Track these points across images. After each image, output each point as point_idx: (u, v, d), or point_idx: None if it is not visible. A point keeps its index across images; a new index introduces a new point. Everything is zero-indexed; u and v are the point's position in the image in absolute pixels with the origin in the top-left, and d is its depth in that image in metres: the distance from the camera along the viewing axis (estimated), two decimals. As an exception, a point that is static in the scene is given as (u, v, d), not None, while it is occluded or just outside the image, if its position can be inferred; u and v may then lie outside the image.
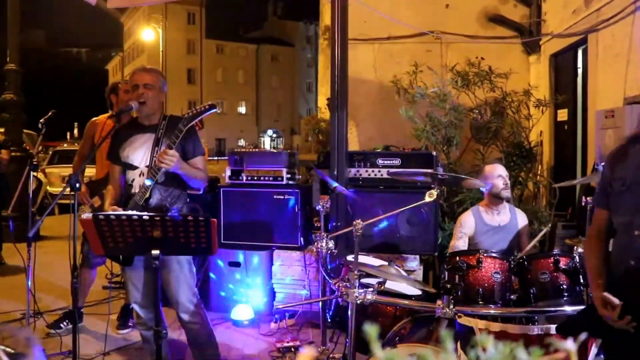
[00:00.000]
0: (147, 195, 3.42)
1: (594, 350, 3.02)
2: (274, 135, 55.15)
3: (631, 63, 5.46)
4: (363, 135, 8.00)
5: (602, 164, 4.22)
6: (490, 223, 4.05)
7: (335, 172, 4.92)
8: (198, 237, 3.03)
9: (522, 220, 4.19)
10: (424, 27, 7.87)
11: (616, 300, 2.16)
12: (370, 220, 3.21)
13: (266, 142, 53.21)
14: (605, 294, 2.20)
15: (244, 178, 5.52)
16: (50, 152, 16.22)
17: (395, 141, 7.00)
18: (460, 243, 4.04)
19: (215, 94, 54.67)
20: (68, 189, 3.14)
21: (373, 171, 5.20)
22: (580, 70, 7.15)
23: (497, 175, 4.05)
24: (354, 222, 3.04)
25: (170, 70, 48.29)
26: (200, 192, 4.32)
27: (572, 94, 7.21)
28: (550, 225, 4.42)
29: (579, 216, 4.96)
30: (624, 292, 2.18)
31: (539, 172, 6.82)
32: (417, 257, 5.24)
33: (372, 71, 8.02)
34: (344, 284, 3.21)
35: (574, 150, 7.10)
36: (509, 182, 4.10)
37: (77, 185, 3.11)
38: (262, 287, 5.41)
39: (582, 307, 3.05)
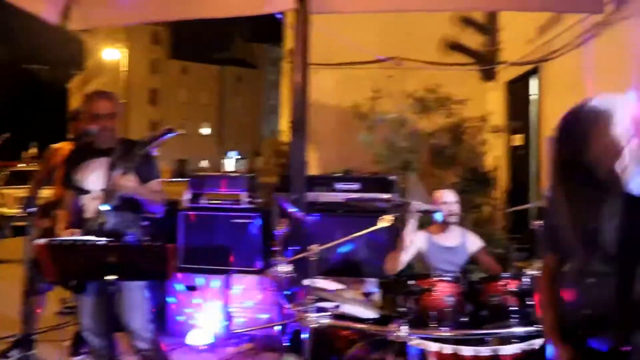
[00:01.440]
0: (102, 220, 3.38)
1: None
2: (237, 157, 54.93)
3: (579, 93, 5.65)
4: (324, 159, 8.06)
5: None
6: (440, 243, 4.11)
7: (295, 196, 4.94)
8: (154, 263, 3.01)
9: (473, 242, 4.26)
10: (386, 53, 8.01)
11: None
12: (326, 245, 3.25)
13: (229, 164, 53.00)
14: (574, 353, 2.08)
15: (204, 201, 5.50)
16: (5, 173, 15.80)
17: (356, 165, 7.06)
18: (406, 257, 4.04)
19: (178, 114, 54.37)
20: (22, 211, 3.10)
21: (332, 195, 5.24)
22: (533, 98, 7.37)
23: (442, 202, 4.13)
24: (309, 247, 3.07)
25: (132, 90, 47.87)
26: (158, 216, 4.30)
27: (526, 120, 7.41)
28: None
29: (531, 239, 5.07)
30: (575, 342, 2.08)
31: (494, 196, 6.96)
32: (376, 280, 5.27)
33: (334, 96, 8.10)
34: (300, 308, 3.23)
35: (528, 175, 7.29)
36: (456, 208, 4.15)
37: (32, 209, 3.08)
38: (220, 311, 5.37)
39: (530, 328, 3.13)
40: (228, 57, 61.36)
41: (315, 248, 3.06)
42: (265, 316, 5.38)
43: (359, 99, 6.85)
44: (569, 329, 2.13)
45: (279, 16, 5.21)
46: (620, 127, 1.94)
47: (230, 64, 60.41)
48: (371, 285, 5.29)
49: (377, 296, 5.26)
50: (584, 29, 5.70)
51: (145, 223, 3.78)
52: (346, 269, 5.21)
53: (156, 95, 56.93)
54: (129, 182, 3.29)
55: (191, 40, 56.50)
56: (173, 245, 3.02)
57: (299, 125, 5.02)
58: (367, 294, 5.34)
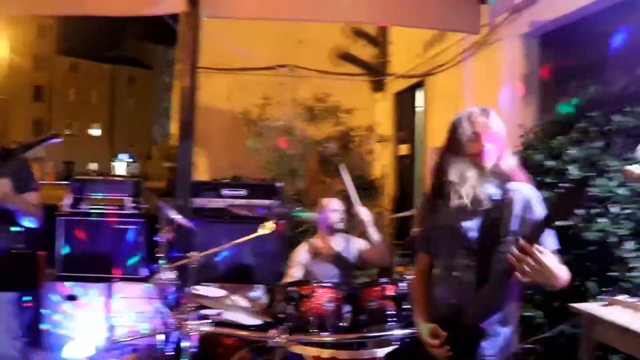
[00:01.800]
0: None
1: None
2: (128, 161, 53.12)
3: (458, 106, 5.97)
4: (214, 165, 8.00)
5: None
6: (324, 252, 4.20)
7: (180, 202, 4.88)
8: (22, 272, 2.88)
9: (357, 246, 4.33)
10: (278, 61, 8.07)
11: (442, 333, 2.34)
12: (206, 252, 3.23)
13: (119, 167, 51.14)
14: (435, 326, 2.39)
15: (85, 206, 5.31)
16: None
17: (246, 172, 7.08)
18: (293, 271, 4.13)
19: (65, 113, 51.91)
20: None
21: (219, 201, 5.22)
22: (419, 109, 7.69)
23: (332, 209, 4.22)
24: (190, 254, 3.05)
25: (15, 85, 45.21)
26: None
27: (413, 130, 7.72)
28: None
29: (412, 246, 5.28)
30: (444, 329, 2.35)
31: (381, 203, 7.19)
32: (262, 286, 5.30)
33: (225, 101, 8.08)
34: (180, 316, 3.20)
35: (413, 183, 7.59)
36: (341, 216, 4.26)
37: None
38: (101, 322, 5.19)
39: (407, 331, 3.27)
40: (120, 56, 59.31)
41: (195, 255, 3.04)
42: (148, 326, 5.26)
43: (250, 106, 6.86)
44: (438, 319, 2.43)
45: (168, 19, 5.13)
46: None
47: (122, 63, 58.39)
48: (258, 291, 5.32)
49: (263, 302, 5.29)
50: (464, 47, 6.03)
51: (19, 229, 3.57)
52: (233, 276, 5.20)
53: (41, 92, 53.97)
54: (2, 187, 3.06)
55: (81, 36, 54.07)
56: (44, 253, 2.89)
57: (186, 129, 4.97)
58: (253, 300, 5.36)
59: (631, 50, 4.14)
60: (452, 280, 2.41)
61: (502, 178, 2.40)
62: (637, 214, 3.52)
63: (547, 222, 2.01)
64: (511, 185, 2.40)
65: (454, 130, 2.50)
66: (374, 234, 4.17)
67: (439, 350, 2.34)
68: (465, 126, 2.43)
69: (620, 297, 3.17)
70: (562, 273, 2.16)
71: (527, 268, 1.99)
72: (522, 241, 2.01)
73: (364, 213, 4.20)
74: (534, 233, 2.02)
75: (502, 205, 2.35)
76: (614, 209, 3.57)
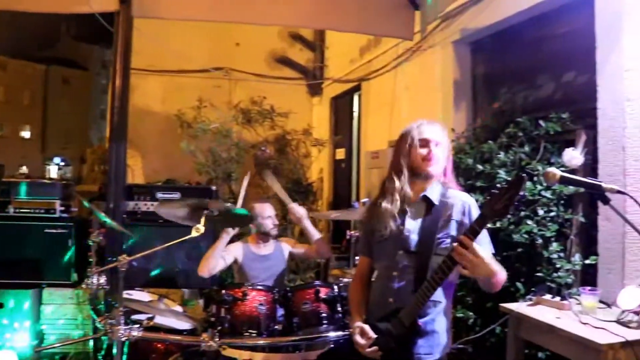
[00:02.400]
0: None
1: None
2: (62, 164, 51.34)
3: (394, 110, 6.07)
4: (148, 168, 7.85)
5: (357, 202, 4.63)
6: (257, 252, 4.17)
7: (112, 205, 4.76)
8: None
9: (287, 246, 4.32)
10: (214, 64, 7.97)
11: (371, 333, 2.44)
12: (137, 255, 3.16)
13: (52, 171, 49.39)
14: (365, 326, 2.48)
15: (12, 210, 5.12)
16: None
17: (181, 174, 6.97)
18: (220, 263, 4.00)
19: (-6, 115, 49.90)
20: None
21: (152, 205, 5.13)
22: (355, 114, 7.76)
23: (267, 215, 4.19)
24: (120, 257, 2.98)
25: None
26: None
27: (349, 134, 7.78)
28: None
29: (347, 248, 5.32)
30: (381, 328, 2.45)
31: (318, 207, 7.21)
32: (196, 290, 5.24)
33: (160, 103, 7.94)
34: (110, 321, 3.11)
35: (350, 186, 7.65)
36: (273, 221, 4.23)
37: None
38: (30, 329, 5.01)
39: (340, 333, 3.29)
40: (54, 56, 57.41)
41: (124, 258, 2.97)
42: (79, 332, 5.11)
43: (185, 108, 6.76)
44: (375, 317, 2.53)
45: (102, 20, 4.99)
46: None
47: (57, 63, 56.56)
48: (192, 295, 5.25)
49: (199, 306, 5.23)
50: (399, 52, 6.13)
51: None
52: (167, 280, 5.13)
53: (-34, 93, 51.59)
54: None
55: (12, 35, 52.03)
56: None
57: (118, 130, 4.84)
58: (186, 305, 5.29)
59: (558, 57, 4.30)
60: (391, 281, 2.52)
61: (444, 185, 2.61)
62: (561, 216, 3.65)
63: (485, 218, 2.15)
64: (451, 192, 2.59)
65: (403, 138, 2.66)
66: (311, 229, 4.16)
67: (367, 350, 2.43)
68: (415, 134, 2.60)
69: (547, 297, 3.28)
70: (500, 269, 2.34)
71: (467, 262, 2.15)
72: (462, 236, 2.17)
73: (298, 210, 4.19)
74: (473, 229, 2.16)
75: (443, 210, 2.52)
76: (541, 212, 3.69)
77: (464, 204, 2.53)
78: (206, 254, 3.97)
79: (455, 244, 2.18)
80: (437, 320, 2.51)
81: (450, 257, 2.21)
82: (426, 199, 2.57)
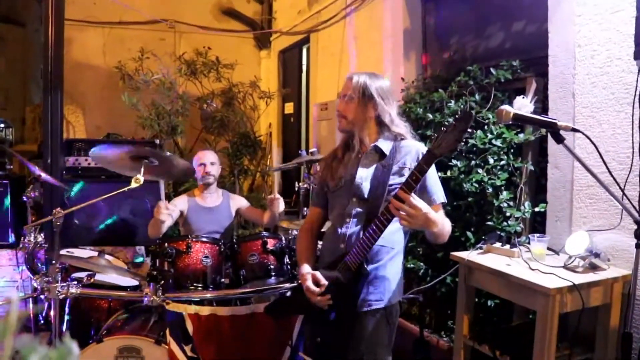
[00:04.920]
0: None
1: (297, 325, 3.20)
2: (2, 126, 49.55)
3: (343, 62, 5.94)
4: (90, 124, 7.54)
5: (305, 150, 4.52)
6: (202, 204, 4.03)
7: (49, 161, 4.53)
8: None
9: (236, 203, 4.19)
10: (158, 15, 7.65)
11: (323, 280, 2.39)
12: (72, 209, 3.00)
13: (-7, 132, 47.57)
14: (316, 272, 2.43)
15: (-59, 168, 4.84)
16: None
17: (124, 130, 6.72)
18: (168, 220, 3.82)
19: None
20: None
21: (94, 158, 4.90)
22: (304, 67, 7.60)
23: (199, 163, 4.03)
24: (54, 211, 2.81)
25: None
26: None
27: (298, 88, 7.63)
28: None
29: (297, 201, 5.25)
30: (329, 275, 2.41)
31: (267, 161, 7.09)
32: (143, 247, 5.10)
33: (101, 56, 7.59)
34: (47, 279, 2.95)
35: (299, 140, 7.54)
36: (215, 169, 4.07)
37: None
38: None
39: (288, 284, 3.22)
40: (-12, 12, 54.74)
41: (58, 212, 2.80)
42: (20, 294, 4.91)
43: (125, 60, 6.47)
44: (325, 264, 2.50)
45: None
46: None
47: (-9, 20, 53.98)
48: (139, 252, 5.11)
49: (146, 263, 5.09)
50: (348, 2, 5.96)
51: None
52: (114, 238, 4.97)
53: None
54: None
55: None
56: None
57: (53, 84, 4.58)
58: (135, 262, 5.15)
59: (509, 5, 4.24)
60: (343, 227, 2.50)
61: (397, 135, 2.54)
62: (511, 165, 3.64)
63: (433, 156, 2.08)
64: (406, 142, 2.54)
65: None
66: (276, 218, 3.95)
67: (319, 298, 2.38)
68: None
69: (497, 245, 3.29)
70: (442, 221, 2.28)
71: (404, 214, 2.11)
72: (399, 190, 2.13)
73: (281, 204, 3.85)
74: (417, 173, 2.10)
75: (395, 158, 2.48)
76: (491, 161, 3.67)
77: (418, 152, 2.48)
78: (151, 220, 3.78)
79: (391, 197, 2.15)
80: (388, 266, 2.49)
81: (388, 210, 2.19)
82: (377, 149, 2.53)
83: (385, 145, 2.52)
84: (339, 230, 2.50)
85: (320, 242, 2.76)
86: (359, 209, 2.47)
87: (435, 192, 2.45)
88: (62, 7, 4.67)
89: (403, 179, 2.33)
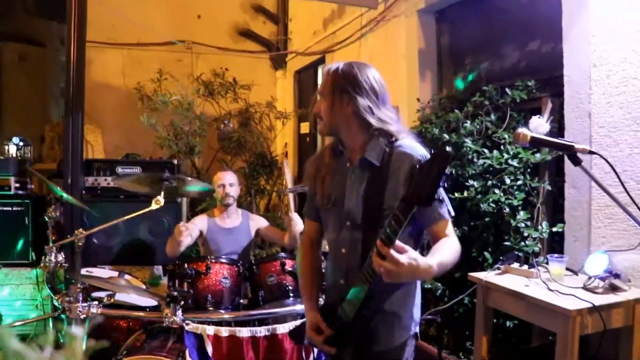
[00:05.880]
0: None
1: (315, 352, 3.19)
2: (21, 144, 50.16)
3: (358, 82, 5.98)
4: (109, 143, 7.63)
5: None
6: (221, 225, 4.07)
7: (69, 181, 4.60)
8: None
9: (256, 223, 4.23)
10: (175, 36, 7.77)
11: (326, 330, 2.12)
12: (94, 230, 3.04)
13: (12, 151, 48.14)
14: (318, 319, 2.16)
15: (-36, 187, 4.92)
16: None
17: (142, 149, 6.79)
18: (187, 239, 3.82)
19: (-53, 94, 48.26)
20: None
21: (113, 180, 4.97)
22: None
23: (218, 185, 4.07)
24: (76, 232, 2.85)
25: None
26: None
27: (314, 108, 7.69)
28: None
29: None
30: (334, 312, 2.10)
31: (283, 181, 7.11)
32: (160, 267, 5.13)
33: (120, 77, 7.70)
34: (67, 299, 2.99)
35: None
36: (233, 190, 4.10)
37: None
38: (-15, 310, 4.85)
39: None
40: (9, 32, 55.59)
41: (80, 233, 2.84)
42: (38, 312, 4.96)
43: (145, 81, 6.57)
44: (329, 298, 2.25)
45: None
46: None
47: (12, 40, 54.83)
48: (157, 271, 5.15)
49: (164, 284, 5.13)
50: (363, 23, 6.03)
51: None
52: (132, 257, 5.00)
53: None
54: None
55: (-38, 11, 50.08)
56: None
57: (75, 104, 4.66)
58: (153, 282, 5.18)
59: (523, 25, 4.26)
60: (340, 259, 2.14)
61: (390, 138, 2.07)
62: (528, 185, 3.64)
63: (409, 206, 1.63)
64: (399, 147, 2.05)
65: None
66: (297, 237, 3.95)
67: (323, 347, 2.14)
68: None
69: (514, 265, 3.28)
70: (443, 258, 1.84)
71: (385, 272, 1.68)
72: (378, 242, 1.68)
73: (299, 223, 3.82)
74: (391, 228, 1.65)
75: (389, 171, 2.02)
76: (508, 181, 3.68)
77: (411, 164, 1.93)
78: (170, 238, 3.82)
79: (373, 253, 1.71)
80: (400, 301, 2.12)
81: (370, 265, 1.77)
82: (364, 162, 2.07)
83: (374, 154, 2.05)
84: (337, 263, 2.17)
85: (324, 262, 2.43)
86: (354, 237, 2.06)
87: (438, 206, 2.00)
88: (84, 29, 4.76)
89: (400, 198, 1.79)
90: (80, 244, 2.89)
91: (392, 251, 1.65)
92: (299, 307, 3.23)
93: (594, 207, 3.26)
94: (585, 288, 2.87)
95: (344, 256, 2.12)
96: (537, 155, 3.59)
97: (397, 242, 1.67)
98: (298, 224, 3.78)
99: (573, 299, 2.69)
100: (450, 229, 2.03)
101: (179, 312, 2.90)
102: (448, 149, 1.66)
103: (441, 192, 2.00)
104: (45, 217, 3.94)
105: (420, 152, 2.04)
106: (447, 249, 1.92)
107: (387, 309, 2.09)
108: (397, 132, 2.07)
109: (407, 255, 1.67)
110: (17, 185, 4.97)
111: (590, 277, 2.92)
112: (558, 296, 2.76)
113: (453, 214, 2.06)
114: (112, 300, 3.23)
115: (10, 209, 4.90)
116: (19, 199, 4.95)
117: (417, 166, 1.63)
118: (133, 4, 7.19)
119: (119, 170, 5.02)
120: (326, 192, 2.19)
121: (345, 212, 2.11)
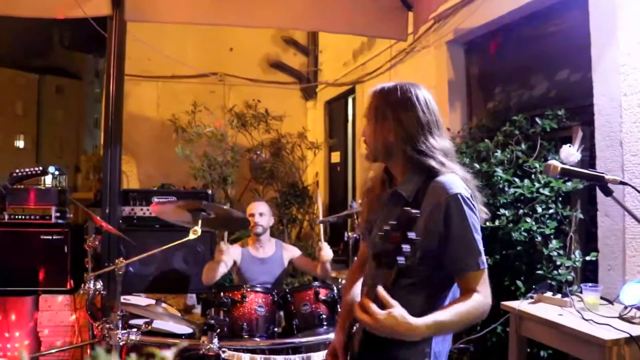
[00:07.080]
0: None
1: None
2: (56, 173, 51.17)
3: (389, 112, 6.05)
4: (143, 174, 7.82)
5: (355, 202, 4.60)
6: (255, 255, 4.14)
7: (107, 211, 4.73)
8: None
9: (289, 253, 4.30)
10: (208, 69, 7.97)
11: (342, 356, 2.05)
12: (134, 259, 3.14)
13: (47, 180, 49.18)
14: (339, 345, 2.08)
15: (6, 217, 5.07)
16: None
17: (176, 180, 6.95)
18: (222, 268, 3.93)
19: (-13, 125, 49.68)
20: None
21: (148, 209, 5.09)
22: (350, 117, 7.75)
23: (249, 214, 4.16)
24: (116, 261, 2.95)
25: None
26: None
27: (344, 138, 7.78)
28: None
29: (346, 251, 5.30)
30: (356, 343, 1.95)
31: (314, 210, 7.19)
32: (194, 295, 5.21)
33: (154, 109, 7.92)
34: (107, 326, 3.08)
35: (346, 190, 7.63)
36: (264, 220, 4.17)
37: None
38: (27, 335, 4.96)
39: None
40: (47, 65, 57.24)
41: (121, 262, 2.94)
42: (77, 338, 5.07)
43: (179, 113, 6.75)
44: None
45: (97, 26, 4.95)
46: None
47: (50, 73, 56.37)
48: (191, 299, 5.22)
49: (197, 310, 5.21)
50: (393, 54, 6.12)
51: None
52: (166, 285, 5.09)
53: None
54: None
55: (2, 43, 51.66)
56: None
57: (113, 136, 4.81)
58: (187, 309, 5.26)
59: (552, 55, 4.30)
60: (371, 291, 1.77)
61: (431, 172, 1.85)
62: (560, 213, 3.64)
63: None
64: (435, 183, 1.82)
65: None
66: (328, 269, 4.04)
67: None
68: None
69: (548, 294, 3.27)
70: (420, 329, 1.62)
71: (364, 322, 1.60)
72: (365, 290, 1.63)
73: (328, 252, 3.92)
74: (374, 280, 1.59)
75: (418, 206, 1.75)
76: (539, 209, 3.68)
77: (442, 205, 1.77)
78: (209, 264, 3.93)
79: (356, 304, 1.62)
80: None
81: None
82: (395, 195, 1.90)
83: (408, 187, 1.86)
84: (364, 292, 1.97)
85: None
86: (375, 278, 1.67)
87: (464, 257, 1.76)
88: (123, 63, 4.92)
89: (429, 243, 1.73)
90: (120, 272, 2.98)
91: (372, 304, 1.57)
92: (332, 336, 3.25)
93: (628, 235, 3.25)
94: (621, 318, 2.84)
95: (371, 291, 1.79)
96: (569, 183, 3.59)
97: (382, 294, 1.57)
98: (328, 253, 3.85)
99: (609, 329, 2.66)
100: (480, 282, 1.80)
101: (216, 340, 2.96)
102: (414, 211, 1.52)
103: (472, 238, 1.78)
104: (86, 246, 4.07)
105: (455, 190, 1.78)
106: (455, 309, 1.72)
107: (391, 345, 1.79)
108: (440, 166, 1.84)
109: (389, 311, 1.56)
110: (58, 214, 5.11)
111: (626, 307, 2.89)
112: (593, 325, 2.73)
113: (485, 266, 1.81)
114: (149, 327, 3.31)
115: (50, 237, 5.04)
116: (59, 227, 5.09)
117: (389, 225, 1.51)
118: (168, 38, 7.42)
119: (155, 200, 5.14)
120: (366, 218, 2.08)
121: (371, 244, 2.00)
